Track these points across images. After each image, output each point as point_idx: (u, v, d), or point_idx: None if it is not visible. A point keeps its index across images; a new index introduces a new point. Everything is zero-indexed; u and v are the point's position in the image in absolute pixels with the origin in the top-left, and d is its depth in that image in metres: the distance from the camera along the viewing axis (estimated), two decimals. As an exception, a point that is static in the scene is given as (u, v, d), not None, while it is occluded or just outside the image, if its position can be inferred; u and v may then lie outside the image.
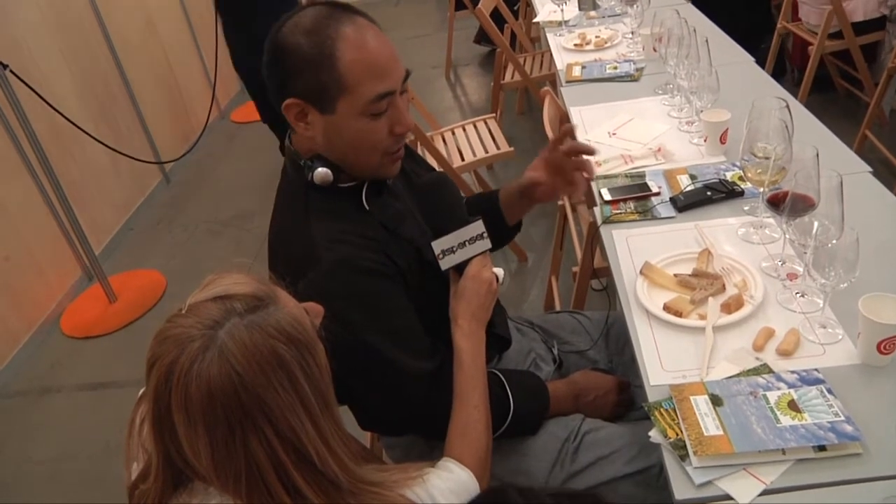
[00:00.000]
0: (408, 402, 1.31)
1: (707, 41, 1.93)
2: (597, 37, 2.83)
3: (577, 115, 2.27)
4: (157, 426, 0.90)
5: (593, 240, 2.07)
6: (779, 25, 3.81)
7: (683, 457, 1.12)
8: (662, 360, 1.31)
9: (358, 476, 0.95)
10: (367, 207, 1.32)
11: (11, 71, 3.00)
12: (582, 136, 2.14)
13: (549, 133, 2.12)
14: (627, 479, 1.36)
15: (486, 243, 1.33)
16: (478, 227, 1.32)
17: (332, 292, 1.19)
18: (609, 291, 1.72)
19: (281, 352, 0.88)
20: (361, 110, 1.22)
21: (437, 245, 1.30)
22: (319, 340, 0.96)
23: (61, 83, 3.61)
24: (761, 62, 2.43)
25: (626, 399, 1.55)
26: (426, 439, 1.44)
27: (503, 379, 1.40)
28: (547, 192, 1.56)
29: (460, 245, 1.31)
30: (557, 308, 2.65)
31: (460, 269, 1.33)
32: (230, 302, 0.90)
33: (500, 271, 1.38)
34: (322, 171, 1.27)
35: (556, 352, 1.67)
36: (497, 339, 1.51)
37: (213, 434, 0.86)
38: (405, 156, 1.49)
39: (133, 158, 3.95)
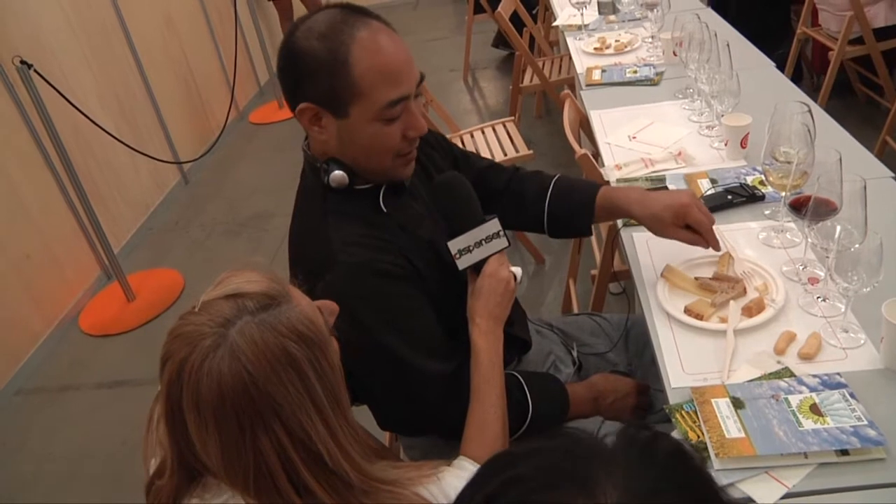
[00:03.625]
0: (424, 403, 1.31)
1: (728, 45, 1.93)
2: (616, 41, 2.83)
3: (598, 118, 2.27)
4: (170, 423, 0.91)
5: (613, 242, 2.07)
6: (798, 31, 3.80)
7: (705, 459, 1.11)
8: (683, 362, 1.31)
9: (371, 474, 0.95)
10: (385, 210, 1.32)
11: (35, 70, 3.04)
12: (602, 140, 2.14)
13: (570, 136, 2.12)
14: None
15: (503, 241, 1.32)
16: (494, 225, 1.31)
17: (349, 294, 1.19)
18: (627, 294, 1.72)
19: (292, 350, 0.88)
20: (375, 116, 1.21)
21: (454, 245, 1.30)
22: (333, 339, 0.96)
23: (83, 83, 3.65)
24: (778, 68, 2.42)
25: (645, 402, 1.55)
26: (446, 440, 1.44)
27: (522, 381, 1.40)
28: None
29: (477, 244, 1.31)
30: (575, 311, 2.65)
31: (478, 268, 1.32)
32: (242, 300, 0.90)
33: (518, 270, 1.36)
34: (338, 175, 1.27)
35: (575, 354, 1.67)
36: (517, 341, 1.52)
37: (223, 432, 0.87)
38: (429, 149, 1.49)
39: (152, 158, 4.00)
